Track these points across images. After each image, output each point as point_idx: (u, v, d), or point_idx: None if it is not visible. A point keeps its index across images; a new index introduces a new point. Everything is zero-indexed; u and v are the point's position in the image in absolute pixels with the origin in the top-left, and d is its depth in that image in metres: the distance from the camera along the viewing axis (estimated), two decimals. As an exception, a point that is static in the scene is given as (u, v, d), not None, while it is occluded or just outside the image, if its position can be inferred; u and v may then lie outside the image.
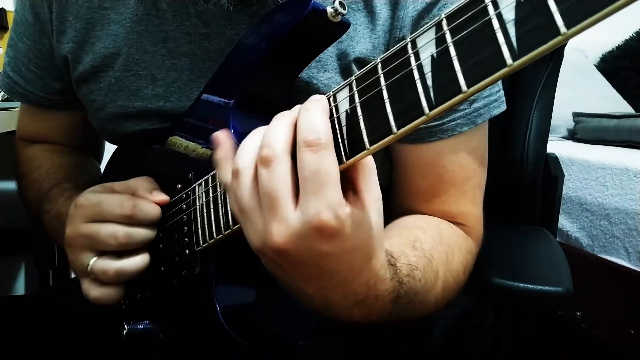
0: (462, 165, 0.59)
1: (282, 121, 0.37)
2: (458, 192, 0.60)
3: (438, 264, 0.51)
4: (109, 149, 0.74)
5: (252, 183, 0.37)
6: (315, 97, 0.37)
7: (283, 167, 0.35)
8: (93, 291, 0.53)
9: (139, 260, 0.53)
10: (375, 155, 0.36)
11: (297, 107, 0.38)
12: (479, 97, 0.58)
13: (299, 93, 0.56)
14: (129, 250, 0.53)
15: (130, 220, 0.52)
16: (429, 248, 0.51)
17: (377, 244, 0.38)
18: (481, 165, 0.61)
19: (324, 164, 0.34)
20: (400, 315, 0.46)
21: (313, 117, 0.35)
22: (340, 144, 0.36)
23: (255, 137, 0.39)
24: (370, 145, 0.34)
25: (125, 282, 0.53)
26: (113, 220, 0.52)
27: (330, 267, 0.37)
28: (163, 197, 0.54)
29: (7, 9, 1.55)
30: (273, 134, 0.36)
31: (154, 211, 0.53)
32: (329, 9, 0.44)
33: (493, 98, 0.59)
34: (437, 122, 0.57)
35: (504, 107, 0.61)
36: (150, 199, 0.53)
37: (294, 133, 0.36)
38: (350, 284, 0.39)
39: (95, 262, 0.52)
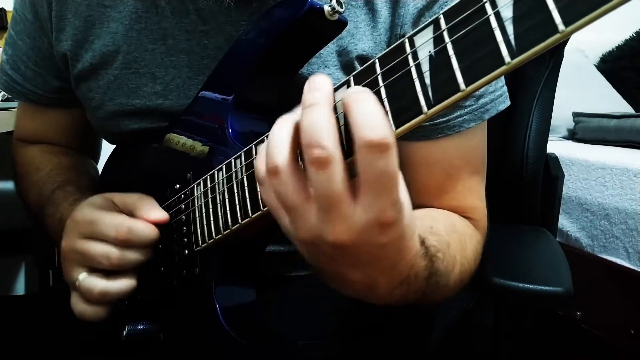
0: (468, 160, 0.60)
1: (324, 112, 0.33)
2: (465, 187, 0.60)
3: (455, 250, 0.51)
4: (107, 150, 0.74)
5: (294, 179, 0.34)
6: (359, 88, 0.33)
7: (340, 168, 0.32)
8: (78, 306, 0.53)
9: (125, 284, 0.52)
10: None
11: (325, 93, 0.34)
12: (485, 92, 0.58)
13: (299, 89, 0.56)
14: (119, 270, 0.52)
15: (125, 244, 0.51)
16: (445, 235, 0.51)
17: (413, 221, 0.37)
18: (484, 161, 0.62)
19: (390, 165, 0.31)
20: (428, 296, 0.46)
21: (372, 111, 0.31)
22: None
23: (287, 128, 0.35)
24: None
25: (110, 302, 0.53)
26: (108, 241, 0.51)
27: (383, 253, 0.36)
28: (161, 216, 0.53)
29: (7, 8, 1.55)
30: (320, 130, 0.32)
31: (149, 234, 0.52)
32: (326, 7, 0.45)
33: (498, 93, 0.59)
34: (443, 119, 0.57)
35: (508, 102, 0.61)
36: (148, 219, 0.52)
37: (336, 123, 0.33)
38: (398, 266, 0.39)
39: (84, 279, 0.52)
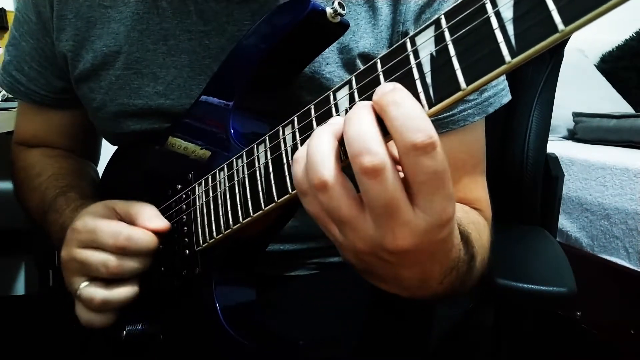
0: (472, 153, 0.61)
1: (365, 118, 0.32)
2: (470, 179, 0.60)
3: (475, 238, 0.51)
4: (106, 152, 0.73)
5: (345, 192, 0.33)
6: (390, 86, 0.32)
7: (394, 174, 0.31)
8: (83, 315, 0.53)
9: (126, 292, 0.52)
10: None
11: (364, 102, 0.33)
12: (488, 86, 0.58)
13: (301, 88, 0.56)
14: (120, 278, 0.52)
15: (124, 252, 0.51)
16: (464, 224, 0.51)
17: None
18: (484, 153, 0.63)
19: (439, 163, 0.30)
20: (466, 283, 0.46)
21: (413, 111, 0.30)
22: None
23: (328, 140, 0.34)
24: None
25: (114, 310, 0.53)
26: (107, 250, 0.51)
27: (440, 247, 0.36)
28: (162, 225, 0.52)
29: (7, 9, 1.55)
30: (369, 137, 0.31)
31: (148, 243, 0.51)
32: (329, 10, 0.45)
33: (501, 87, 0.60)
34: (448, 114, 0.57)
35: (510, 96, 0.62)
36: (148, 228, 0.52)
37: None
38: (449, 254, 0.38)
39: (84, 288, 0.52)
